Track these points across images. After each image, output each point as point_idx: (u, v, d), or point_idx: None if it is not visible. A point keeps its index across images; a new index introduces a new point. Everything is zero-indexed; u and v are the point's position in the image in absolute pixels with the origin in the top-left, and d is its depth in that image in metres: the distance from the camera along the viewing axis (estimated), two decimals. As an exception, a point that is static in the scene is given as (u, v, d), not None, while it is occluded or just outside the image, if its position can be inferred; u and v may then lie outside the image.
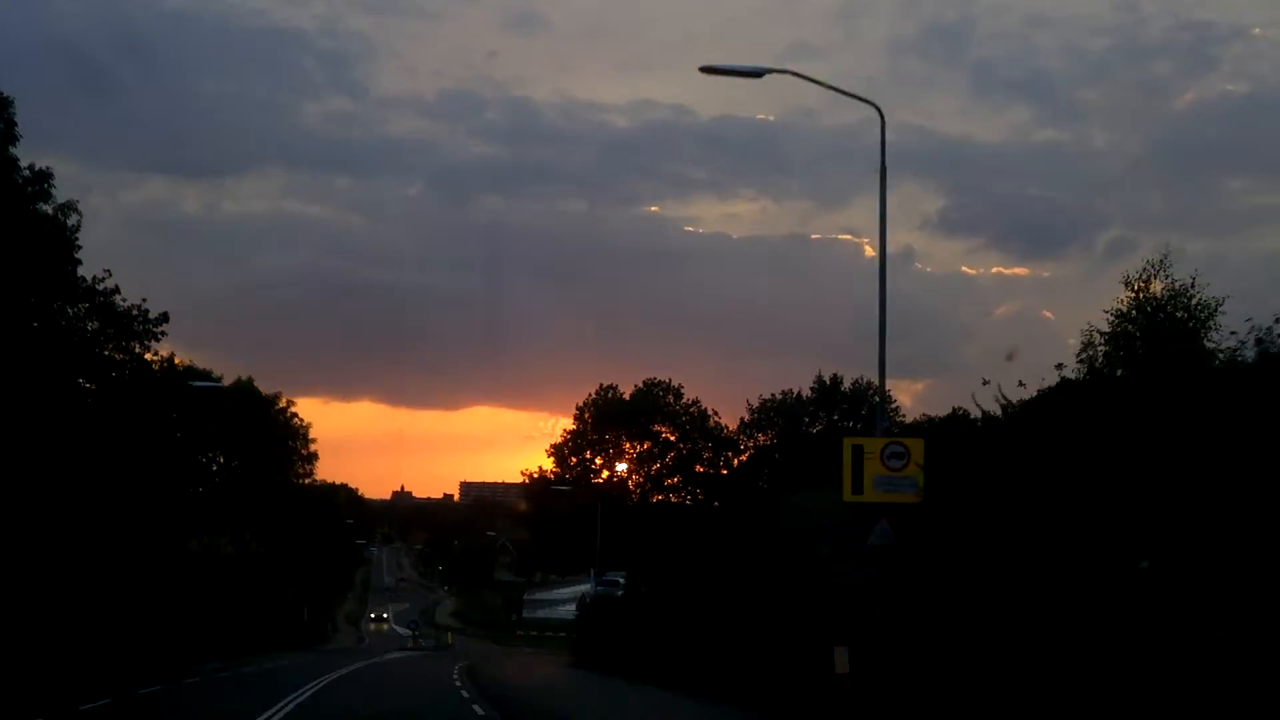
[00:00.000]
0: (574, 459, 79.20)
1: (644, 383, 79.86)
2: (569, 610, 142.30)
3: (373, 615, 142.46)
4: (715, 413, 79.64)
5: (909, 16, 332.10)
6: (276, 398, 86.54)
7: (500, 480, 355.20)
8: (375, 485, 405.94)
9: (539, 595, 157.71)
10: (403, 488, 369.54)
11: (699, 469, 78.63)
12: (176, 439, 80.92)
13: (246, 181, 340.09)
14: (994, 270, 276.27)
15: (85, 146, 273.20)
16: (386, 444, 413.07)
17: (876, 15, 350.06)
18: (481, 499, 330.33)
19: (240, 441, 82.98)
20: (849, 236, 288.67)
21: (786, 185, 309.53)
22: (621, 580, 77.23)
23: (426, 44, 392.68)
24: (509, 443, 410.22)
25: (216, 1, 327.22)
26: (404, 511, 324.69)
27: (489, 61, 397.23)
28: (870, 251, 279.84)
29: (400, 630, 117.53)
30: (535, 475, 79.41)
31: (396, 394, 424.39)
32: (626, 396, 79.39)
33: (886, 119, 26.99)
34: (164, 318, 46.55)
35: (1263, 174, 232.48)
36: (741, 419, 77.73)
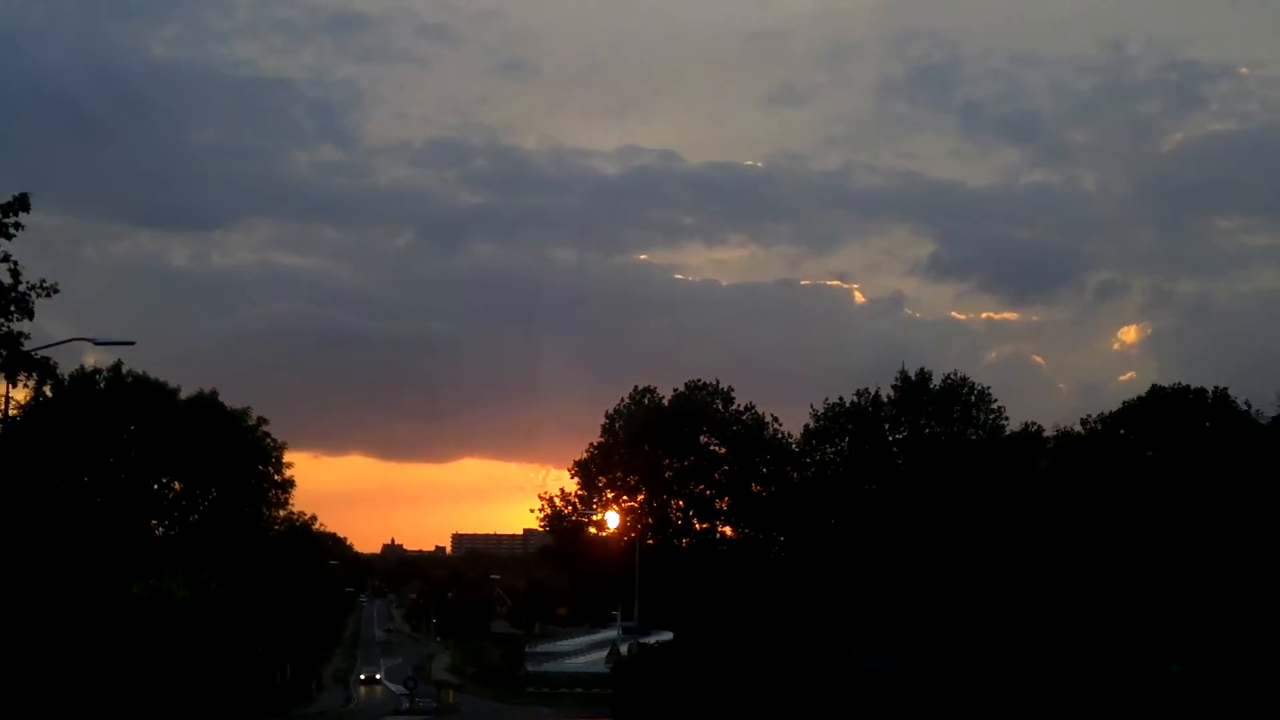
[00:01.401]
0: (602, 478, 63.67)
1: (686, 385, 64.56)
2: (580, 663, 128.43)
3: (363, 676, 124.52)
4: (775, 419, 64.35)
5: (896, 58, 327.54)
6: (244, 413, 71.09)
7: (493, 532, 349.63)
8: (366, 539, 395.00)
9: (543, 647, 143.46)
10: (393, 540, 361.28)
11: (754, 487, 63.12)
12: (112, 458, 65.50)
13: (235, 233, 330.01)
14: (984, 315, 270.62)
15: (75, 199, 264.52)
16: (376, 497, 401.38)
17: (864, 57, 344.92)
18: (474, 550, 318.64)
19: (199, 464, 67.41)
20: (838, 282, 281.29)
21: (775, 230, 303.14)
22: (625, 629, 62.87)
23: (415, 91, 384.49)
24: (500, 494, 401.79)
25: (205, 52, 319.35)
26: (395, 564, 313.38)
27: (478, 108, 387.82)
28: (860, 297, 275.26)
29: (394, 688, 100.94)
30: (556, 500, 63.69)
31: (386, 447, 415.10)
32: (665, 401, 63.91)
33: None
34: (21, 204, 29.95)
35: (1251, 213, 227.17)
36: (806, 426, 62.47)
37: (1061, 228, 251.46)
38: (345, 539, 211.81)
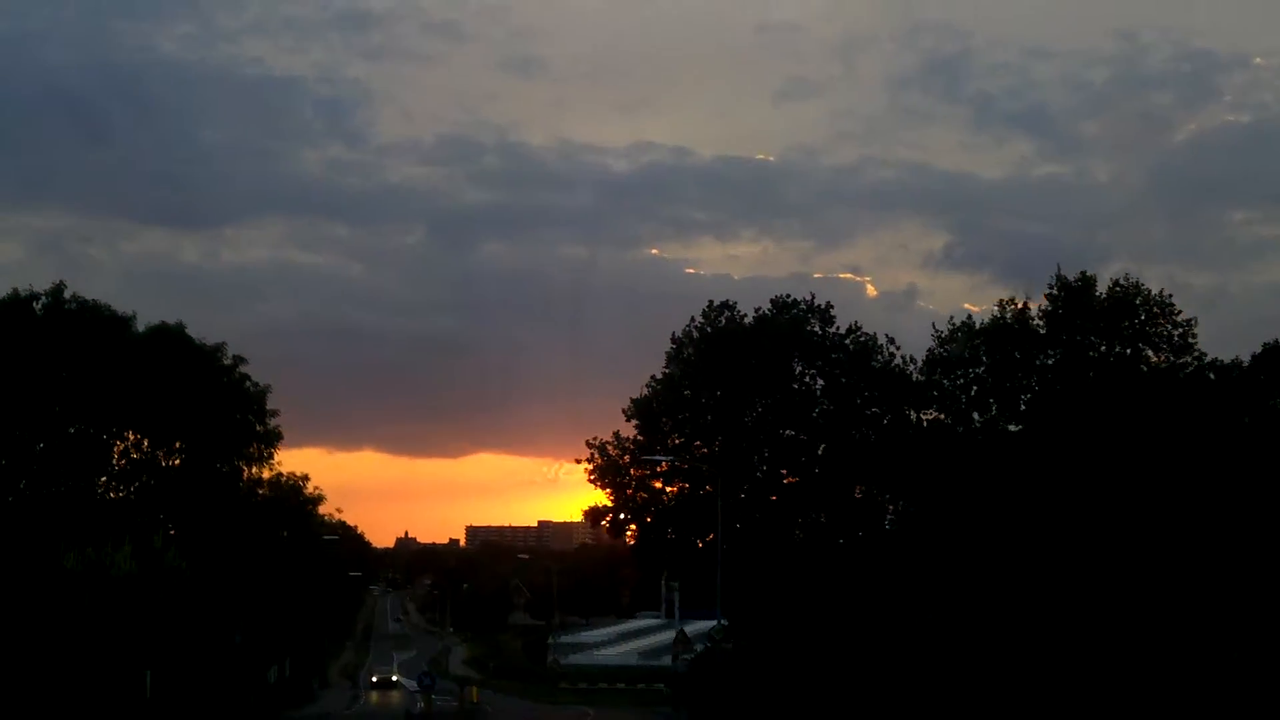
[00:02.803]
0: (666, 420, 48.88)
1: (772, 302, 49.72)
2: (611, 655, 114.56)
3: (375, 678, 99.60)
4: (891, 341, 49.40)
5: (909, 51, 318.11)
6: (219, 350, 56.21)
7: (508, 524, 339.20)
8: (379, 533, 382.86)
9: (568, 639, 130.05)
10: (407, 533, 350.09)
11: (861, 433, 48.31)
12: (50, 402, 50.92)
13: (246, 230, 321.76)
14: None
15: (84, 197, 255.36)
16: (390, 492, 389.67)
17: (876, 50, 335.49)
18: (489, 542, 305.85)
19: (160, 410, 52.72)
20: (850, 275, 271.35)
21: (787, 224, 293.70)
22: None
23: (424, 89, 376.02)
24: (514, 489, 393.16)
25: (215, 51, 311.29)
26: (409, 556, 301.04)
27: (487, 105, 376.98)
28: (873, 290, 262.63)
29: (408, 684, 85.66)
30: (609, 448, 48.87)
31: (399, 442, 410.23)
32: (747, 321, 49.10)
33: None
34: None
35: (1265, 205, 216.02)
36: (928, 352, 47.58)
37: (1075, 220, 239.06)
38: (356, 527, 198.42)
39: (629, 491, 49.63)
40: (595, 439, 50.23)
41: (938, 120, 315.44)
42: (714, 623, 47.70)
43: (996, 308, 47.04)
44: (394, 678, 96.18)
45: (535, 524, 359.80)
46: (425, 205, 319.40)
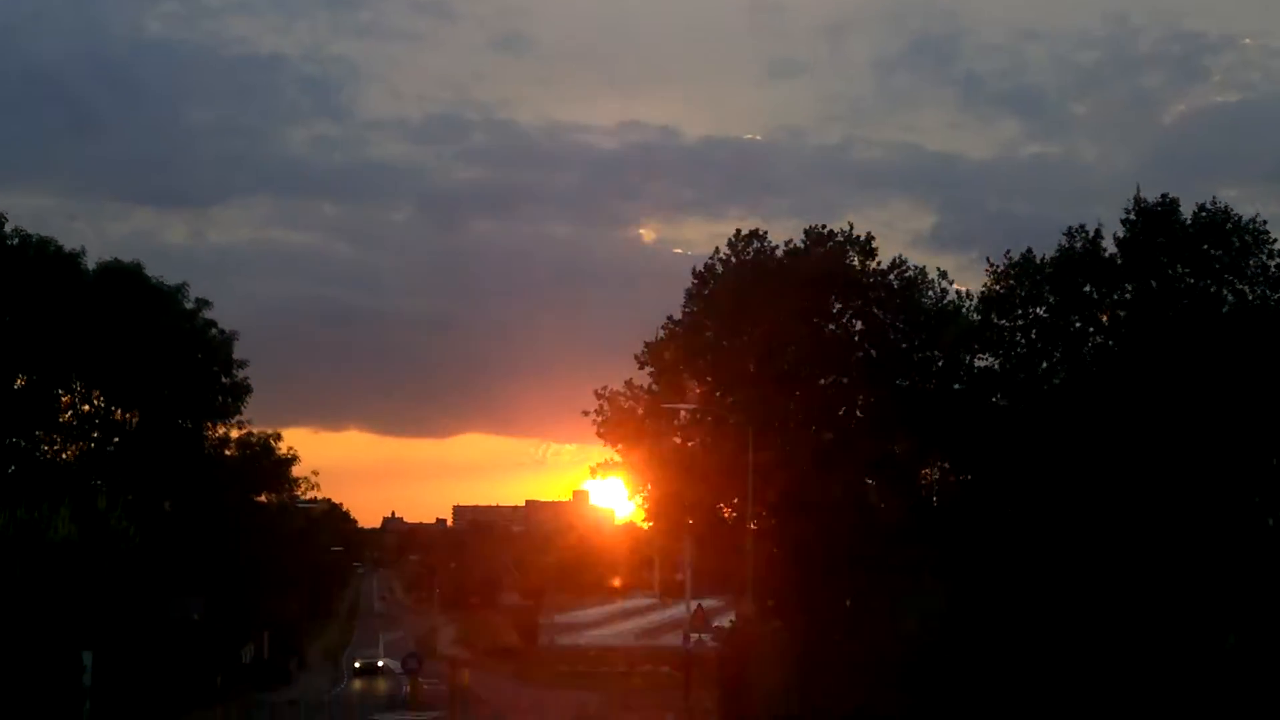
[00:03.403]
0: (683, 367, 42.55)
1: (805, 233, 43.34)
2: (607, 634, 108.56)
3: (358, 664, 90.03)
4: (943, 275, 43.15)
5: (897, 31, 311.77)
6: (180, 291, 49.64)
7: (494, 503, 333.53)
8: (366, 514, 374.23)
9: (560, 618, 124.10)
10: (394, 513, 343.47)
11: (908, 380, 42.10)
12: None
13: (231, 210, 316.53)
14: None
15: (69, 178, 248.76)
16: (376, 472, 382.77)
17: (864, 31, 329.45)
18: (477, 521, 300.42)
19: (112, 359, 46.26)
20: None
21: (775, 204, 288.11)
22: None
23: (411, 67, 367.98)
24: (502, 469, 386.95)
25: (199, 29, 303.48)
26: (395, 536, 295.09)
27: (474, 83, 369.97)
28: None
29: (394, 664, 78.84)
30: (620, 398, 42.57)
31: (385, 422, 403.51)
32: (779, 253, 42.79)
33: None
34: None
35: (1254, 185, 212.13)
36: (984, 288, 41.29)
37: (1063, 200, 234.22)
38: (342, 505, 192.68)
39: (644, 448, 43.25)
40: (604, 388, 43.93)
41: (926, 100, 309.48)
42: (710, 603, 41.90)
43: (1064, 237, 40.81)
44: (379, 663, 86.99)
45: (523, 504, 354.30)
46: (412, 183, 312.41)
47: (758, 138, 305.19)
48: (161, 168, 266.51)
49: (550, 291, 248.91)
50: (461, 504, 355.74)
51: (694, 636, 48.05)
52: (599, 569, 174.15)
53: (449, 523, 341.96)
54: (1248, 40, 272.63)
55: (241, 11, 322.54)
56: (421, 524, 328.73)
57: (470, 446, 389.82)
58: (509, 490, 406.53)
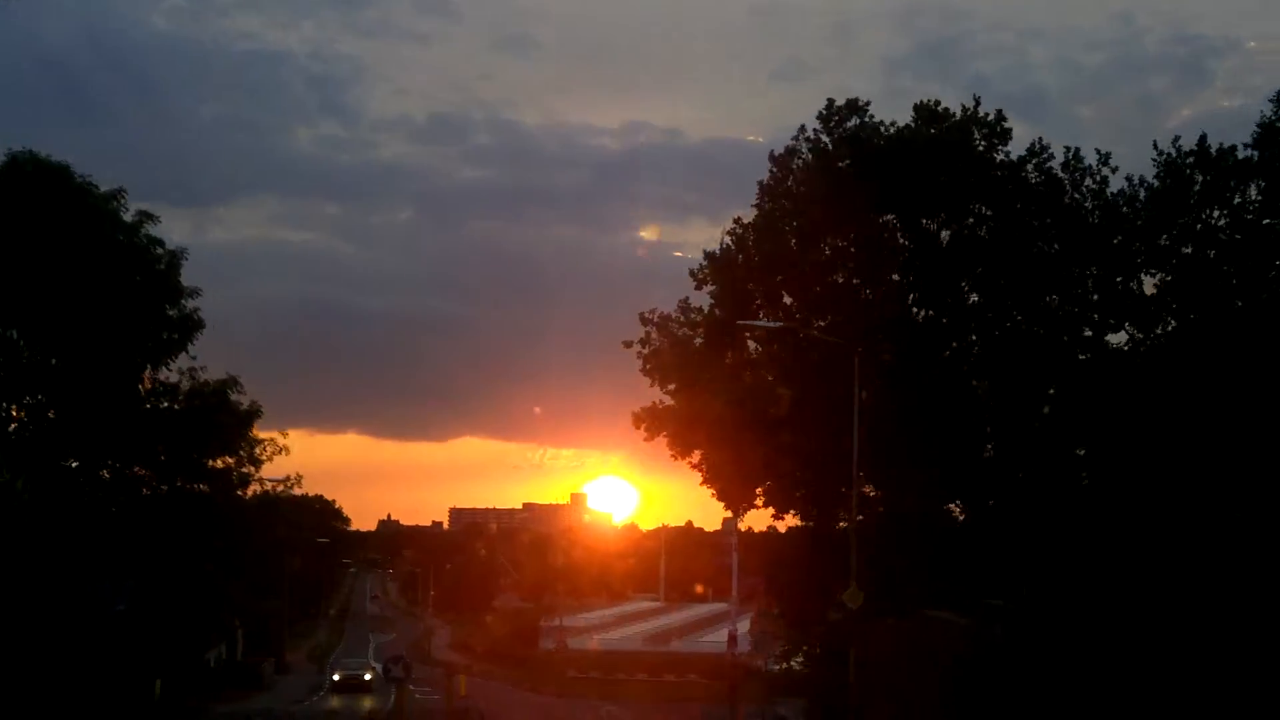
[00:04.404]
0: (753, 284, 31.97)
1: (916, 110, 32.80)
2: (612, 639, 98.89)
3: (337, 676, 74.46)
4: (1104, 161, 32.38)
5: (904, 33, 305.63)
6: (116, 198, 39.00)
7: (491, 506, 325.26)
8: (362, 517, 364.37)
9: (566, 621, 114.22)
10: (390, 516, 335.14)
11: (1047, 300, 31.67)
12: None
13: (235, 208, 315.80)
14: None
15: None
16: (373, 475, 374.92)
17: (872, 32, 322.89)
18: (474, 524, 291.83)
19: (22, 279, 35.54)
20: None
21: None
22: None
23: (417, 67, 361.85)
24: (500, 473, 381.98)
25: (206, 26, 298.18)
26: (390, 538, 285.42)
27: (479, 84, 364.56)
28: None
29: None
30: (673, 324, 31.63)
31: (384, 425, 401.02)
32: (888, 129, 32.18)
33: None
34: None
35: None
36: (1140, 183, 30.68)
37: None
38: (335, 502, 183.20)
39: (704, 387, 32.55)
40: (653, 311, 33.30)
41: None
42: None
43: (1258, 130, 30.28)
44: (366, 675, 72.62)
45: (520, 506, 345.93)
46: (416, 184, 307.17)
47: (761, 140, 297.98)
48: (165, 164, 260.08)
49: (552, 293, 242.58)
50: (458, 506, 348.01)
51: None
52: (599, 571, 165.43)
53: (445, 525, 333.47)
54: (1252, 44, 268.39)
55: (248, 9, 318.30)
56: (418, 526, 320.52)
57: (468, 450, 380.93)
58: (506, 494, 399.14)
